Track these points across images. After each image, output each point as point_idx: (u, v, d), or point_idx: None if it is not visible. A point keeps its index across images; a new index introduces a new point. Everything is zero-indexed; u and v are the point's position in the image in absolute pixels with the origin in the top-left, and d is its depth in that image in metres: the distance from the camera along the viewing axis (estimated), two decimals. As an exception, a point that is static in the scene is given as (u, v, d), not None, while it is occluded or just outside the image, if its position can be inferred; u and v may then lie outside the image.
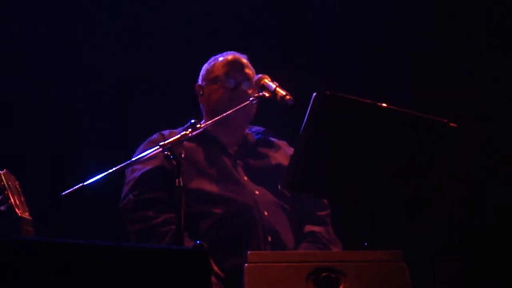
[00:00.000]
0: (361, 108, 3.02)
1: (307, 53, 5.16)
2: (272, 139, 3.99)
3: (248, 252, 2.85)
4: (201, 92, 3.93)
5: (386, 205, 3.03)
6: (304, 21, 5.23)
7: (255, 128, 4.00)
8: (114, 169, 3.24)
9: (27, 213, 3.22)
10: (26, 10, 5.02)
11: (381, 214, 3.06)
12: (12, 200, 3.19)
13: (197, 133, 3.37)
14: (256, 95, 3.60)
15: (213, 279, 3.39)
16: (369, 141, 3.00)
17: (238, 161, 3.83)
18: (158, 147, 3.23)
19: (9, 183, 3.22)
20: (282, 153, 3.91)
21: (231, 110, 3.55)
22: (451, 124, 2.98)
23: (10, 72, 4.92)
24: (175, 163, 3.20)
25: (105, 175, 3.21)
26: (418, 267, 2.98)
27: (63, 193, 3.19)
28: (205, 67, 3.96)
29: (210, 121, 3.53)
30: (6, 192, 3.20)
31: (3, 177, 3.23)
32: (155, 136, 3.83)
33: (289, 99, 3.52)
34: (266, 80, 3.63)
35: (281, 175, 3.36)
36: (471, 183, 4.75)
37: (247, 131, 3.95)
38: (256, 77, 3.70)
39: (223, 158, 3.80)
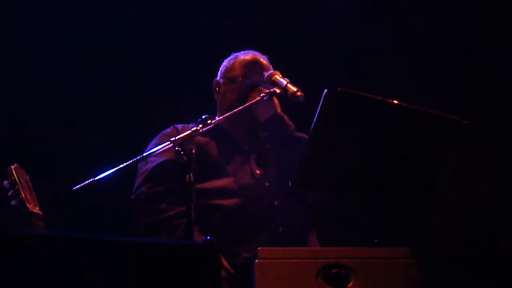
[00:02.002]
0: (372, 105, 3.01)
1: (316, 49, 5.15)
2: (299, 135, 3.85)
3: (259, 248, 2.85)
4: (217, 89, 3.92)
5: (397, 202, 3.02)
6: (312, 15, 5.22)
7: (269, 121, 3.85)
8: (125, 164, 3.25)
9: (37, 208, 3.23)
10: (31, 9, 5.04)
11: (392, 211, 3.06)
12: (22, 194, 3.21)
13: (209, 129, 3.36)
14: (267, 91, 3.59)
15: (223, 273, 3.39)
16: (380, 138, 3.00)
17: (251, 155, 3.82)
18: (168, 142, 3.23)
19: (20, 178, 3.24)
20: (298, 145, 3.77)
21: (241, 107, 3.53)
22: (463, 122, 2.97)
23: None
24: (185, 158, 3.20)
25: (116, 170, 3.22)
26: (428, 264, 2.98)
27: (75, 187, 3.20)
28: (224, 63, 3.95)
29: (221, 117, 3.51)
30: (17, 186, 3.22)
31: (14, 172, 3.24)
32: (168, 129, 3.83)
33: (300, 95, 3.50)
34: (277, 76, 3.63)
35: (293, 166, 3.31)
36: (479, 179, 4.74)
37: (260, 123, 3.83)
38: (267, 73, 3.70)
39: (235, 152, 3.80)
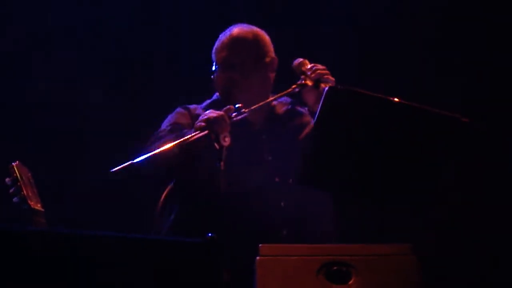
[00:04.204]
0: (374, 102, 3.02)
1: (319, 46, 5.15)
2: (301, 109, 3.72)
3: (260, 245, 2.85)
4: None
5: (398, 200, 3.03)
6: (315, 12, 5.22)
7: (283, 99, 3.71)
8: (162, 149, 3.22)
9: (39, 205, 3.23)
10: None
11: (393, 208, 3.06)
12: (24, 191, 3.21)
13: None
14: (298, 82, 3.46)
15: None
16: (381, 135, 3.00)
17: (264, 137, 3.62)
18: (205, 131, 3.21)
19: (22, 174, 3.24)
20: (310, 127, 3.64)
21: (270, 99, 3.49)
22: (463, 119, 2.98)
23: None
24: (217, 146, 3.16)
25: (154, 154, 3.19)
26: (429, 261, 2.98)
27: (113, 169, 3.14)
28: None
29: (254, 106, 3.40)
30: (18, 183, 3.22)
31: (15, 169, 3.24)
32: (181, 109, 3.68)
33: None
34: (308, 67, 3.49)
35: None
36: (480, 178, 4.76)
37: (274, 102, 3.69)
38: (296, 61, 3.54)
39: (247, 138, 3.57)
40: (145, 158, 3.17)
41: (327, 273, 2.81)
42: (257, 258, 2.83)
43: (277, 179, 3.56)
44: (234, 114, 3.32)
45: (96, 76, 5.02)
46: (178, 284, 2.42)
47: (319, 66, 3.50)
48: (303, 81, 3.46)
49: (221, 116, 3.29)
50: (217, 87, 3.66)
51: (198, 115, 3.41)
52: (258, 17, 4.73)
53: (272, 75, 3.67)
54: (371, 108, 3.02)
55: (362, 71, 4.98)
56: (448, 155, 3.00)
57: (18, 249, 2.28)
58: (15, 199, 3.22)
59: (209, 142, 3.20)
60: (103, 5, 5.09)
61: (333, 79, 3.46)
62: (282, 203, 3.54)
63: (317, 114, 3.01)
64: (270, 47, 3.68)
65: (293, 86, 3.47)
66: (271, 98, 3.50)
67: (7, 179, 3.24)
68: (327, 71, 3.48)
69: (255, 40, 3.65)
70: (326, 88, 3.05)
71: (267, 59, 3.65)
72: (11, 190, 3.23)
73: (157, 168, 3.44)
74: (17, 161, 3.27)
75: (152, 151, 3.26)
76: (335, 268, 2.81)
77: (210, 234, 2.49)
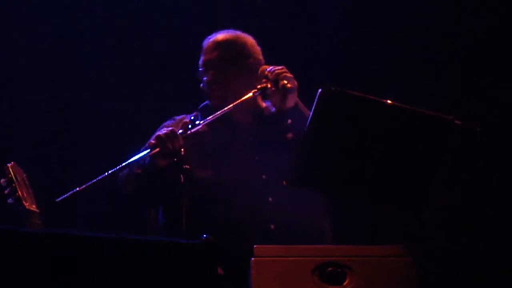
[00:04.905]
0: (366, 104, 3.03)
1: (312, 48, 5.17)
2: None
3: (255, 246, 2.87)
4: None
5: (391, 202, 3.04)
6: (309, 14, 5.24)
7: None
8: (113, 170, 3.29)
9: (34, 206, 3.24)
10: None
11: (386, 210, 3.08)
12: (19, 192, 3.21)
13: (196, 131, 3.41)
14: (258, 86, 3.55)
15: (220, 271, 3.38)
16: (374, 137, 3.01)
17: (250, 139, 3.70)
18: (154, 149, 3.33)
19: (17, 175, 3.24)
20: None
21: (227, 108, 3.52)
22: (456, 121, 3.00)
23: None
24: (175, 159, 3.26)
25: (99, 179, 3.26)
26: (423, 262, 3.00)
27: (58, 199, 3.22)
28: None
29: (209, 118, 3.51)
30: (13, 184, 3.22)
31: (10, 170, 3.25)
32: (168, 122, 3.76)
33: (291, 87, 3.49)
34: (267, 70, 3.58)
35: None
36: (474, 179, 4.77)
37: (265, 104, 3.78)
38: (259, 69, 3.63)
39: (232, 139, 3.68)
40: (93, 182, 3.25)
41: (322, 274, 2.82)
42: (252, 259, 2.84)
43: (264, 176, 3.61)
44: (189, 126, 3.43)
45: (97, 76, 5.03)
46: (174, 285, 2.43)
47: (277, 67, 3.59)
48: (263, 84, 3.55)
49: (171, 132, 3.42)
50: (203, 91, 3.74)
51: (186, 124, 3.50)
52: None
53: (257, 76, 3.70)
54: (363, 109, 3.03)
55: (356, 73, 5.00)
56: (441, 156, 3.01)
57: (12, 251, 2.28)
58: (10, 200, 3.22)
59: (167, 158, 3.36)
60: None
61: (291, 75, 3.55)
62: (270, 198, 3.58)
63: (310, 115, 3.02)
64: (254, 50, 3.78)
65: (254, 91, 3.55)
66: (231, 105, 3.54)
67: (2, 180, 3.25)
68: (284, 70, 3.57)
69: (236, 41, 3.76)
70: (319, 90, 3.06)
71: (250, 60, 3.73)
72: (6, 191, 3.23)
73: (121, 192, 3.61)
74: (12, 162, 3.27)
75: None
76: (330, 269, 2.83)
77: (205, 236, 2.50)
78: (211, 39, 3.77)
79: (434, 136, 3.01)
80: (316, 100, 3.02)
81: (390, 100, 3.03)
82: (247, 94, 3.58)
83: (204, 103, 3.77)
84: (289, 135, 3.69)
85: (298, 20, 5.25)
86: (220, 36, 3.77)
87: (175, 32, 5.16)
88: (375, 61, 5.04)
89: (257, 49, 3.79)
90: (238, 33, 3.81)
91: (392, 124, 3.02)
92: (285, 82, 3.48)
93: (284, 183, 3.37)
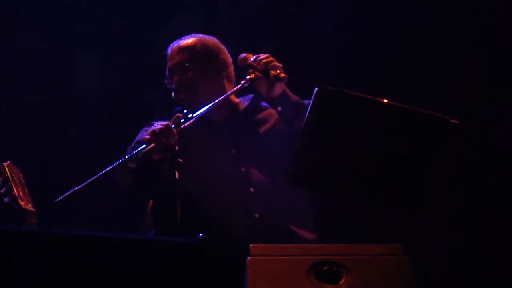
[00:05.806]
0: (363, 103, 3.02)
1: (309, 47, 5.17)
2: (264, 104, 3.82)
3: (251, 245, 2.86)
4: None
5: (387, 201, 3.04)
6: (307, 13, 5.24)
7: (247, 95, 3.87)
8: (107, 169, 3.27)
9: (30, 205, 3.24)
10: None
11: (383, 209, 3.07)
12: (15, 191, 3.21)
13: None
14: (247, 77, 3.56)
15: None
16: (370, 136, 3.01)
17: (226, 133, 3.73)
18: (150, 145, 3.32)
19: (13, 174, 3.24)
20: (273, 120, 3.76)
21: (217, 100, 3.52)
22: (452, 121, 2.99)
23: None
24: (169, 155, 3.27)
25: (97, 177, 3.24)
26: (420, 262, 2.99)
27: (57, 199, 3.19)
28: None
29: (202, 110, 3.50)
30: (9, 183, 3.22)
31: (6, 169, 3.25)
32: (144, 127, 3.74)
33: (284, 77, 3.52)
34: (252, 59, 3.60)
35: (271, 143, 3.50)
36: (471, 179, 4.77)
37: (238, 99, 3.84)
38: (240, 57, 3.66)
39: (208, 134, 3.71)
40: (91, 181, 3.23)
41: (318, 273, 2.81)
42: (248, 258, 2.83)
43: (243, 169, 3.65)
44: (182, 120, 3.42)
45: (97, 76, 5.04)
46: (171, 283, 2.43)
47: (262, 56, 3.61)
48: (252, 75, 3.55)
49: (166, 126, 3.41)
50: (173, 99, 3.78)
51: (178, 118, 3.49)
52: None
53: (225, 74, 3.78)
54: (360, 109, 3.02)
55: (356, 73, 5.00)
56: (437, 156, 3.00)
57: (8, 250, 2.28)
58: (6, 199, 3.22)
59: (161, 153, 3.35)
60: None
61: (280, 65, 3.57)
62: (251, 189, 3.62)
63: (306, 114, 3.02)
64: (218, 50, 3.83)
65: (243, 82, 3.57)
66: (221, 97, 3.56)
67: (-3, 179, 3.25)
68: (271, 58, 3.59)
69: (196, 44, 3.81)
70: (316, 89, 3.05)
71: (214, 60, 3.78)
72: (2, 190, 3.24)
73: (118, 188, 3.61)
74: (8, 161, 3.27)
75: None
76: (325, 268, 2.82)
77: (201, 234, 2.50)
78: (173, 46, 3.82)
79: (430, 135, 3.00)
80: (312, 99, 3.01)
81: (387, 99, 3.03)
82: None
83: (178, 108, 3.75)
84: (263, 128, 3.74)
85: (298, 20, 5.25)
86: (181, 41, 3.82)
87: (175, 32, 5.15)
88: (375, 61, 5.04)
89: (221, 48, 3.84)
90: (200, 36, 3.85)
91: (388, 123, 3.01)
92: (278, 71, 3.53)
93: (280, 180, 3.40)
